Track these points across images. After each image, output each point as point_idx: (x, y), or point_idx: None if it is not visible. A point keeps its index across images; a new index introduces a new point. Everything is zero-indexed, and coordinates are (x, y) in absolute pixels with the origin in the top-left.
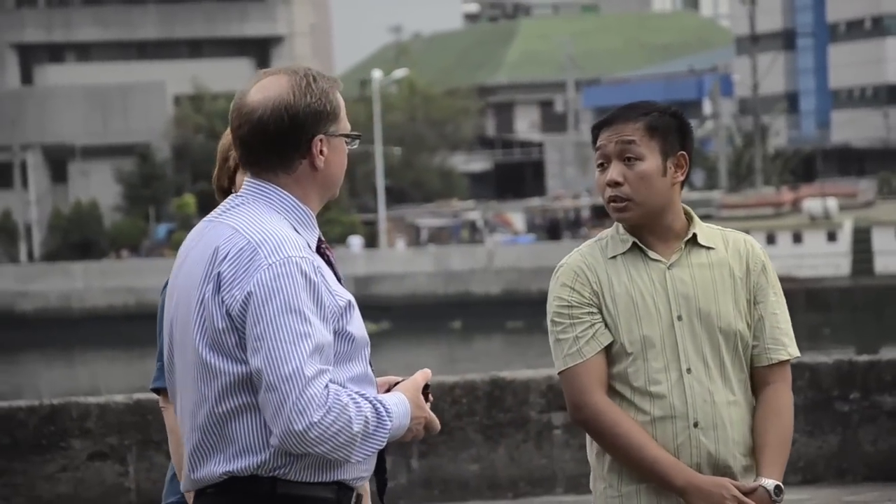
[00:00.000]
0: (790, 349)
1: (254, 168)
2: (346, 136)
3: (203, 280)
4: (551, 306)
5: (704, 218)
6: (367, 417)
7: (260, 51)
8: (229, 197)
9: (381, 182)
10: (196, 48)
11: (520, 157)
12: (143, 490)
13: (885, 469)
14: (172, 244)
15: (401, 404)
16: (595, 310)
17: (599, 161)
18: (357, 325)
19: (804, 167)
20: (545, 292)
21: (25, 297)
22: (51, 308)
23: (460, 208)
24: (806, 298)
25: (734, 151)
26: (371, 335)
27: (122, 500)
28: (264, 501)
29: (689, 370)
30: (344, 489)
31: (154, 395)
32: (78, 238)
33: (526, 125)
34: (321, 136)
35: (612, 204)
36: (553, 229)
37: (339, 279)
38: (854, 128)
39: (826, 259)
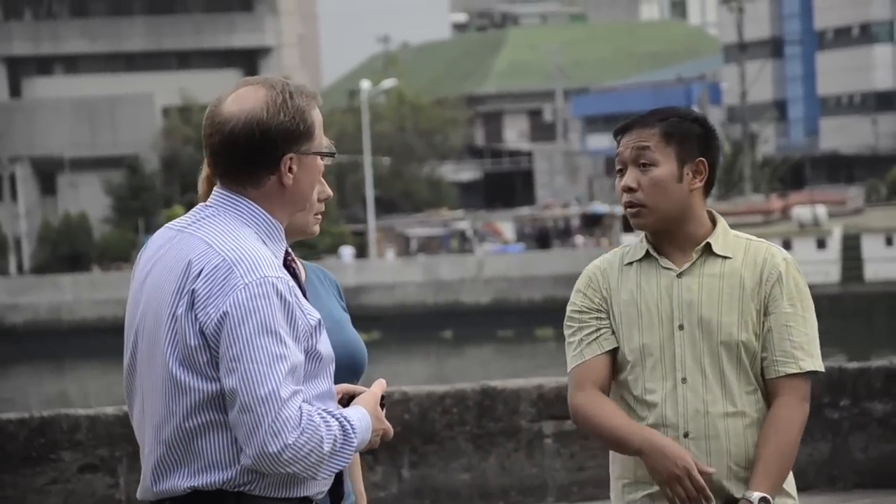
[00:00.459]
0: (802, 363)
1: (223, 178)
2: (320, 154)
3: (175, 295)
4: (567, 310)
5: None
6: (335, 436)
7: (248, 62)
8: (198, 206)
9: (370, 192)
10: (184, 60)
11: (509, 167)
12: (133, 502)
13: (875, 476)
14: None
15: (363, 419)
16: (603, 315)
17: (618, 166)
18: (325, 343)
19: (793, 175)
20: (535, 301)
21: (15, 309)
22: (40, 320)
23: (450, 218)
24: None
25: (723, 159)
26: None
27: None
28: None
29: (684, 380)
30: None
31: None
32: (67, 250)
33: (515, 134)
34: (291, 154)
35: (627, 210)
36: (542, 238)
37: (303, 292)
38: (843, 135)
39: (816, 266)
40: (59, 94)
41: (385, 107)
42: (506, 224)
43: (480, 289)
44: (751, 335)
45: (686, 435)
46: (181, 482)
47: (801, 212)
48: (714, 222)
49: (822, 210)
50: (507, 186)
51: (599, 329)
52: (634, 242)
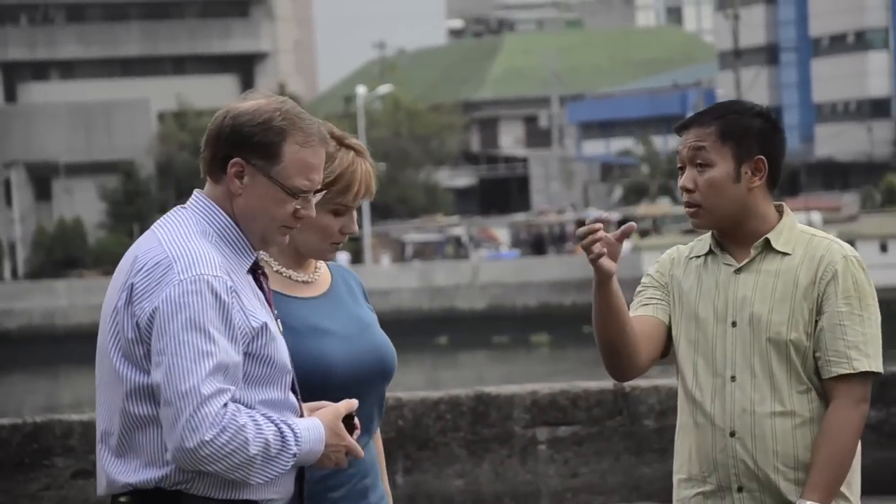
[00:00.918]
0: (856, 363)
1: (203, 169)
2: (280, 184)
3: (120, 289)
4: None
5: (690, 233)
6: (267, 440)
7: (244, 67)
8: (177, 206)
9: None
10: (180, 65)
11: (504, 173)
12: None
13: (868, 483)
14: None
15: (314, 430)
16: (664, 294)
17: (678, 164)
18: (276, 350)
19: (788, 181)
20: (530, 307)
21: (9, 314)
22: (34, 325)
23: (445, 224)
24: None
25: None
26: None
27: None
28: None
29: (733, 378)
30: None
31: None
32: (62, 255)
33: (510, 140)
34: (239, 160)
35: (686, 209)
36: (538, 244)
37: (268, 303)
38: (838, 142)
39: None
40: (55, 99)
41: (381, 112)
42: (501, 230)
43: (475, 295)
44: (801, 334)
45: (732, 434)
46: (123, 478)
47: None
48: (781, 216)
49: (816, 216)
50: (502, 192)
51: (655, 298)
52: (704, 237)
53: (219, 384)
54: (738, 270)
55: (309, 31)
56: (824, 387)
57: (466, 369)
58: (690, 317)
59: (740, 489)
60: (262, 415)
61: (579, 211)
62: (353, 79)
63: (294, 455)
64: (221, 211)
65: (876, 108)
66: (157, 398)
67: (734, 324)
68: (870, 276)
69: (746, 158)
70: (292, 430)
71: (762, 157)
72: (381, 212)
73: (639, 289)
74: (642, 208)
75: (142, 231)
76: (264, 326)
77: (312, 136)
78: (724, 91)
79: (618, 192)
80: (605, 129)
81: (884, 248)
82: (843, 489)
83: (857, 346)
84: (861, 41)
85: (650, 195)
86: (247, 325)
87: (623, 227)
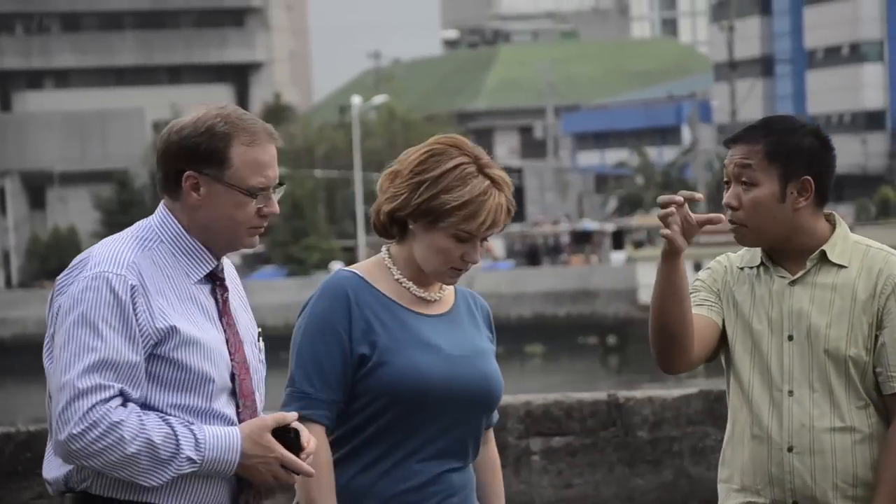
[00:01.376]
0: None
1: (159, 188)
2: (237, 188)
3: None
4: None
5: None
6: (151, 440)
7: (239, 77)
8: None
9: (360, 208)
10: (175, 74)
11: None
12: None
13: None
14: None
15: (224, 437)
16: (716, 296)
17: (725, 179)
18: (191, 356)
19: None
20: (524, 318)
21: (3, 323)
22: (28, 334)
23: None
24: None
25: (713, 178)
26: None
27: None
28: None
29: (790, 392)
30: None
31: None
32: (56, 264)
33: (505, 151)
34: (191, 172)
35: (731, 227)
36: (532, 255)
37: (219, 312)
38: None
39: None
40: (50, 108)
41: (376, 123)
42: (496, 240)
43: None
44: (860, 350)
45: (790, 449)
46: (46, 473)
47: None
48: (834, 227)
49: None
50: None
51: (709, 301)
52: (743, 251)
53: (99, 380)
54: (792, 283)
55: (304, 41)
56: (885, 402)
57: None
58: (745, 327)
59: None
60: (160, 416)
61: (574, 222)
62: (348, 89)
63: (190, 459)
64: (175, 220)
65: (871, 121)
66: None
67: (790, 337)
68: None
69: (793, 178)
70: (193, 434)
71: (809, 177)
72: None
73: (690, 290)
74: (637, 219)
75: None
76: (173, 329)
77: (258, 134)
78: (719, 102)
79: (612, 203)
80: (599, 140)
81: None
82: None
83: None
84: (856, 53)
85: (645, 206)
86: (150, 326)
87: (712, 215)
